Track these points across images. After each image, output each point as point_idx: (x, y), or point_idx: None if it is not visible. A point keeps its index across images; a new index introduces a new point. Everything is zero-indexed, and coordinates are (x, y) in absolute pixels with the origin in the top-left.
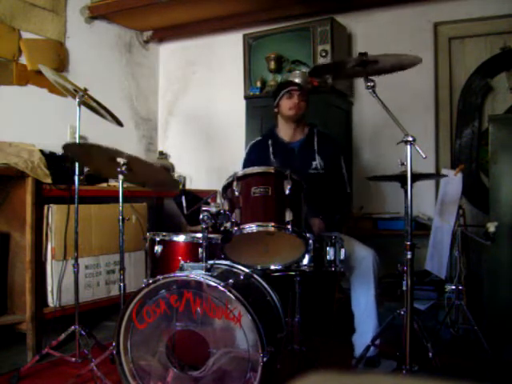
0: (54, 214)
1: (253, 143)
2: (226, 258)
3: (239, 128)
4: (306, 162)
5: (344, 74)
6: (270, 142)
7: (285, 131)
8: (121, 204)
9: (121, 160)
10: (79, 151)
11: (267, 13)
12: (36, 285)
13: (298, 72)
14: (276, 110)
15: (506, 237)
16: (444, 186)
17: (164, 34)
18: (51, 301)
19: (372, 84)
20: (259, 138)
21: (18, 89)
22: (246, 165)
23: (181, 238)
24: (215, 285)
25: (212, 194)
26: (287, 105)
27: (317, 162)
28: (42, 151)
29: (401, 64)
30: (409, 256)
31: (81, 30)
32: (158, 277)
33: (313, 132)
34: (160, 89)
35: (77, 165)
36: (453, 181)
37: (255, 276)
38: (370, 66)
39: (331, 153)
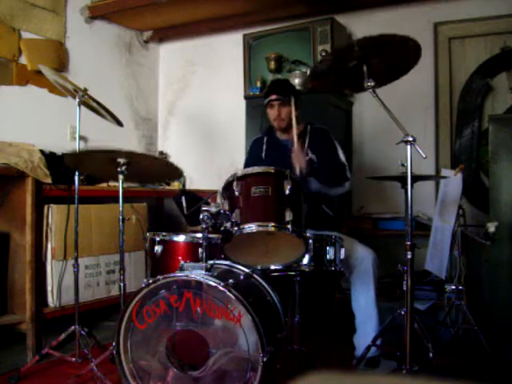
0: (54, 214)
1: (253, 140)
2: (225, 258)
3: (239, 128)
4: None
5: (344, 77)
6: (265, 139)
7: (280, 131)
8: (121, 204)
9: (121, 160)
10: (79, 158)
11: (267, 13)
12: (36, 285)
13: (298, 72)
14: (267, 114)
15: (506, 237)
16: (444, 186)
17: (164, 34)
18: (51, 301)
19: (372, 84)
20: (259, 135)
21: (18, 89)
22: (246, 161)
23: (181, 238)
24: (215, 285)
25: (212, 193)
26: (270, 115)
27: (308, 158)
28: (42, 151)
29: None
30: (409, 256)
31: (81, 30)
32: (158, 277)
33: (306, 129)
34: (160, 89)
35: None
36: (453, 181)
37: (255, 276)
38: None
39: (323, 144)
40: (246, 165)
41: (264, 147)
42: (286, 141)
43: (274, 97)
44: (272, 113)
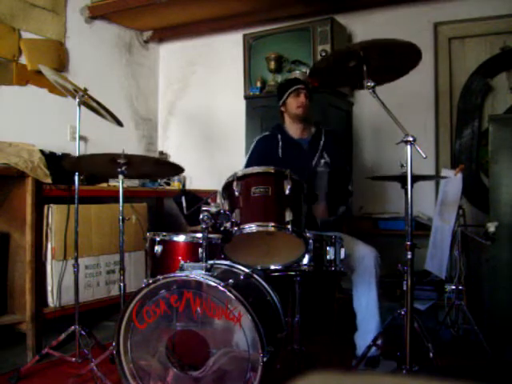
0: (54, 214)
1: (260, 137)
2: (226, 258)
3: (239, 128)
4: (314, 159)
5: (344, 76)
6: (279, 136)
7: (293, 130)
8: (121, 204)
9: (121, 160)
10: (78, 163)
11: (267, 13)
12: (36, 285)
13: (298, 72)
14: (282, 108)
15: (506, 237)
16: (444, 186)
17: (164, 34)
18: (51, 301)
19: (372, 84)
20: (267, 132)
21: (18, 89)
22: (252, 158)
23: (181, 238)
24: (215, 285)
25: (212, 193)
26: (295, 103)
27: (324, 160)
28: (42, 151)
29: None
30: (409, 256)
31: (81, 30)
32: (158, 277)
33: (320, 130)
34: (160, 89)
35: None
36: (453, 181)
37: (255, 276)
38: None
39: (337, 151)
40: (252, 163)
41: (280, 144)
42: (301, 140)
43: (302, 85)
44: (297, 100)
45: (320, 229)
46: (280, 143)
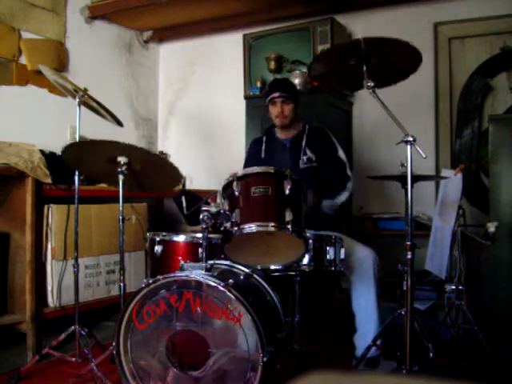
0: (54, 214)
1: (252, 140)
2: (226, 258)
3: (239, 128)
4: (295, 157)
5: (343, 76)
6: (264, 139)
7: (279, 131)
8: (121, 204)
9: (121, 159)
10: (78, 153)
11: (267, 13)
12: (36, 285)
13: (297, 72)
14: (268, 112)
15: (506, 237)
16: (444, 186)
17: (164, 34)
18: (51, 301)
19: (372, 84)
20: (259, 135)
21: (18, 89)
22: (245, 161)
23: (181, 238)
24: (215, 285)
25: (212, 193)
26: (272, 113)
27: (307, 156)
28: (42, 151)
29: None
30: (409, 256)
31: (81, 30)
32: (158, 277)
33: (304, 128)
34: (160, 89)
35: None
36: (453, 181)
37: (255, 276)
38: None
39: (322, 143)
40: (246, 166)
41: (263, 147)
42: (286, 140)
43: (276, 94)
44: (274, 110)
45: (322, 225)
46: (263, 145)
